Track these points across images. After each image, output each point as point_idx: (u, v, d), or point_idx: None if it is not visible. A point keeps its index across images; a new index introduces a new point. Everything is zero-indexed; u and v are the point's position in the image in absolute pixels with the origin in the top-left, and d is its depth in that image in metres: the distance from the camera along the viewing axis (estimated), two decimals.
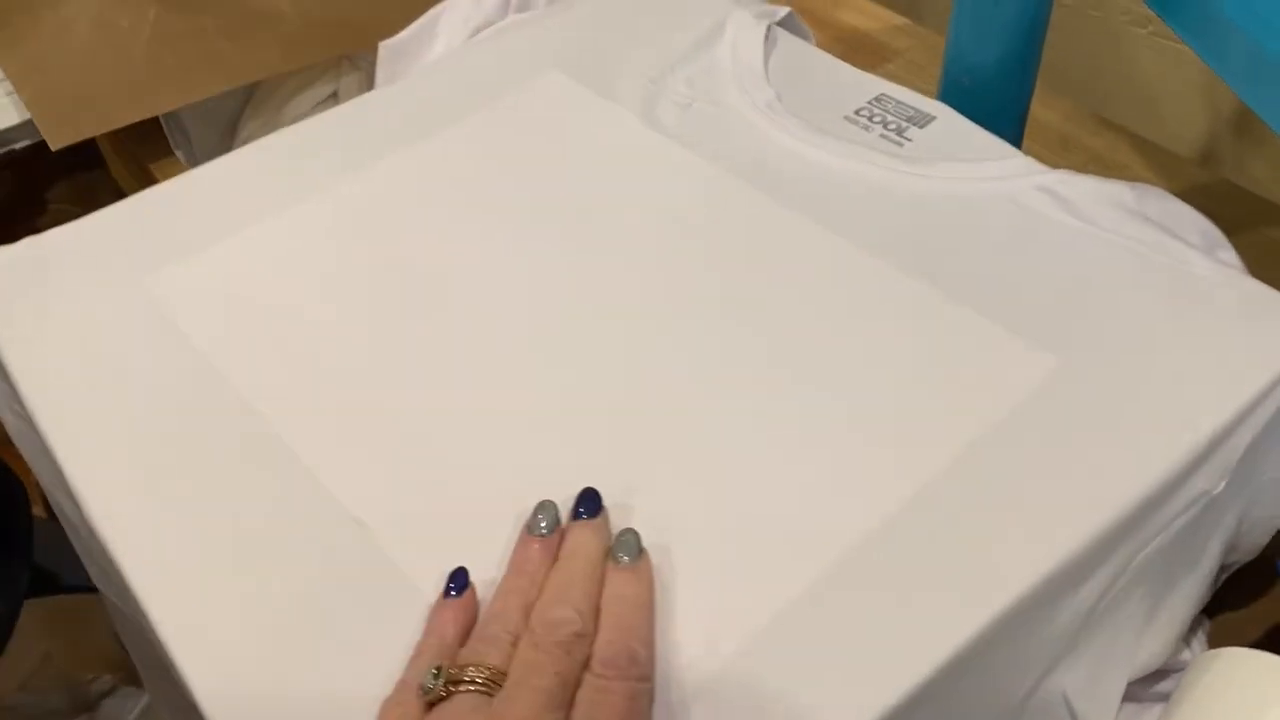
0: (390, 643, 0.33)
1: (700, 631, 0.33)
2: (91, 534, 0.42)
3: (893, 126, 0.49)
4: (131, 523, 0.38)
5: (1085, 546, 0.34)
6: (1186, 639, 0.45)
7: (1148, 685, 0.44)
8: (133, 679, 1.08)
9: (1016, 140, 0.54)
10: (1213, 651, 0.40)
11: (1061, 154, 0.70)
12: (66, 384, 0.42)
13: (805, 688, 0.32)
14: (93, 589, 0.98)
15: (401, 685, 0.31)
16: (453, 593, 0.34)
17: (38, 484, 0.49)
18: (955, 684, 0.33)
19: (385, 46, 0.59)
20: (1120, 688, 0.40)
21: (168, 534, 0.37)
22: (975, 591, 0.33)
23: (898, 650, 0.32)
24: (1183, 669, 0.41)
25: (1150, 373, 0.39)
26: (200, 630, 0.35)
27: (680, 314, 0.42)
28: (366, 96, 0.55)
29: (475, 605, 0.34)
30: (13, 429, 0.48)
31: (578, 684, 0.31)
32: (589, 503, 0.35)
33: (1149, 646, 0.42)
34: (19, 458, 0.51)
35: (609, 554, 0.34)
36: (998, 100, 0.52)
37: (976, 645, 0.33)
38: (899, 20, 0.81)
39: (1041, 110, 0.72)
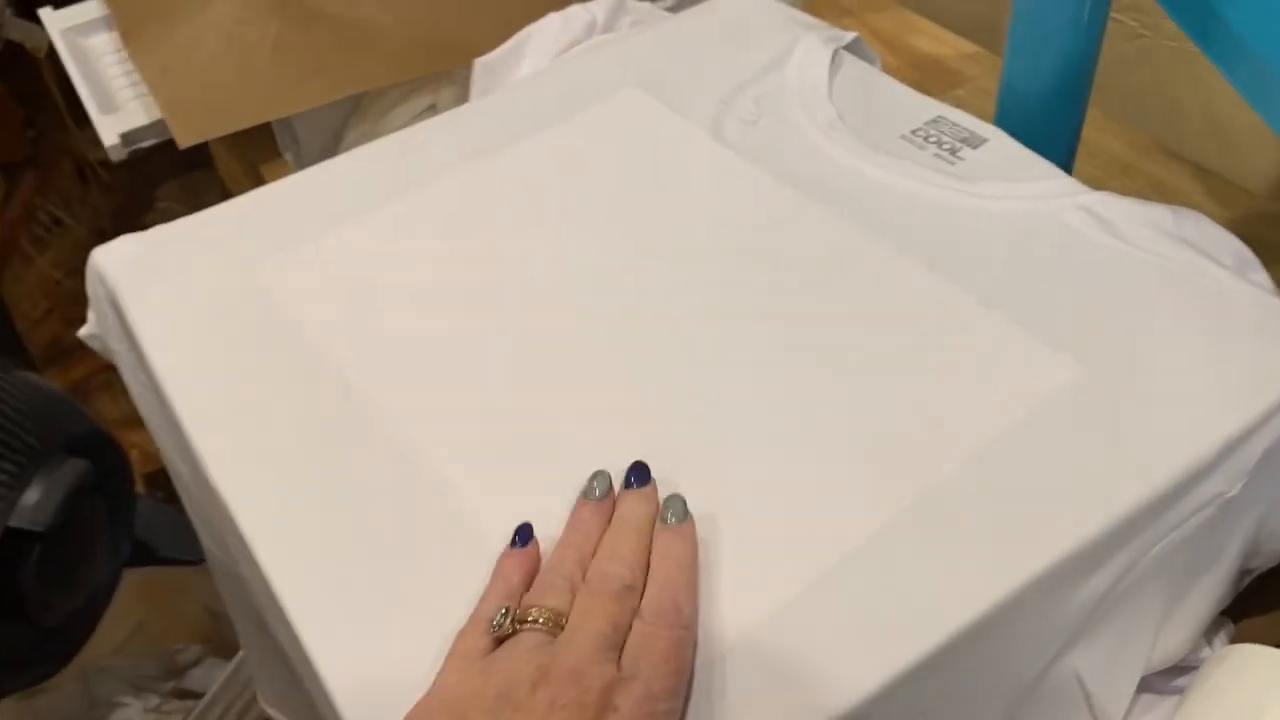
0: (463, 587, 0.37)
1: (739, 590, 0.37)
2: (205, 491, 0.47)
3: (946, 146, 0.53)
4: (243, 478, 0.43)
5: (1098, 536, 0.37)
6: (1208, 639, 0.47)
7: (1167, 679, 0.46)
8: (219, 651, 1.14)
9: (1067, 165, 0.57)
10: (1229, 647, 0.43)
11: (1122, 180, 0.72)
12: (189, 355, 0.47)
13: (830, 644, 0.35)
14: (186, 562, 1.05)
15: (472, 621, 0.36)
16: (518, 544, 0.38)
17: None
18: (971, 653, 0.36)
19: (480, 63, 0.64)
20: (1134, 676, 0.43)
21: (276, 489, 0.42)
22: (988, 571, 0.36)
23: (916, 618, 0.35)
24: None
25: (1171, 380, 0.42)
26: (302, 572, 0.39)
27: (734, 313, 0.46)
28: (461, 108, 0.60)
29: (538, 556, 0.38)
30: (137, 396, 0.53)
31: (628, 631, 0.34)
32: (639, 473, 0.39)
33: (1167, 641, 0.44)
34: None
35: (657, 518, 0.38)
36: (1049, 127, 0.55)
37: (990, 619, 0.36)
38: (971, 48, 0.83)
39: (1104, 137, 0.74)
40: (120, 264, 0.51)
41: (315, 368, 0.46)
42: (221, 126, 0.63)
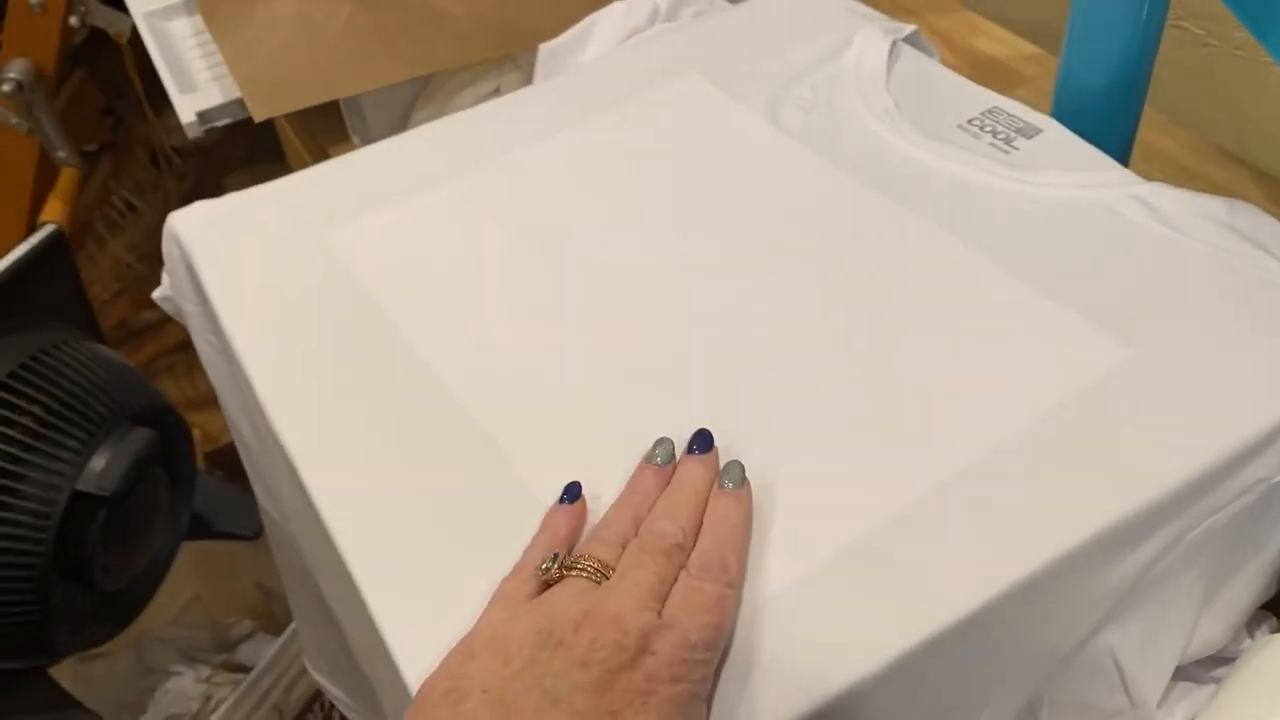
0: (517, 546, 0.38)
1: (778, 554, 0.38)
2: (267, 449, 0.48)
3: (1001, 136, 0.53)
4: (306, 433, 0.44)
5: (1136, 512, 0.38)
6: (1249, 631, 0.47)
7: (1205, 669, 0.46)
8: (270, 627, 1.17)
9: (1123, 161, 0.57)
10: (1268, 637, 0.43)
11: (1182, 183, 0.72)
12: (258, 314, 0.49)
13: (867, 606, 0.36)
14: (241, 536, 1.08)
15: (519, 567, 0.37)
16: (566, 501, 0.39)
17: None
18: (1006, 621, 0.37)
19: (545, 48, 0.66)
20: (1171, 660, 0.43)
21: (337, 444, 0.44)
22: (1025, 543, 0.37)
23: (953, 584, 0.36)
24: None
25: (1217, 366, 0.42)
26: (361, 524, 0.41)
27: (786, 292, 0.47)
28: (525, 90, 0.62)
29: (584, 513, 0.39)
30: (205, 357, 0.55)
31: (673, 585, 0.35)
32: (701, 440, 0.40)
33: (1207, 629, 0.45)
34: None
35: (715, 484, 0.39)
36: (1105, 121, 0.55)
37: (1025, 589, 0.36)
38: (1031, 49, 0.83)
39: (1165, 140, 0.74)
40: (196, 228, 0.53)
41: (379, 331, 0.48)
42: (294, 102, 0.66)
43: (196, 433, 1.28)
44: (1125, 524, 0.38)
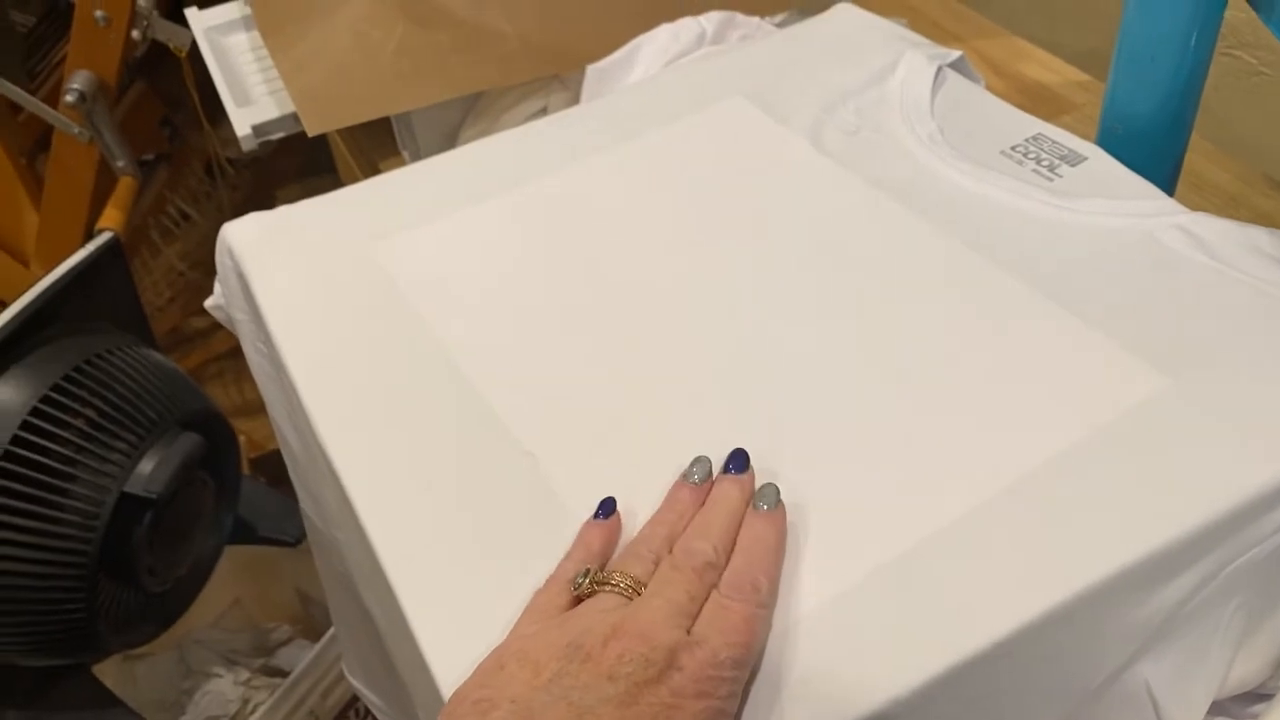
0: (548, 554, 0.39)
1: (811, 573, 0.38)
2: (311, 455, 0.50)
3: (1045, 163, 0.53)
4: (349, 440, 0.45)
5: (1172, 543, 0.37)
6: None
7: (1243, 704, 0.45)
8: (308, 633, 1.18)
9: (1169, 190, 0.56)
10: None
11: (1229, 212, 0.71)
12: (306, 323, 0.50)
13: (896, 628, 0.36)
14: (284, 542, 1.09)
15: (551, 579, 0.37)
16: (600, 516, 0.40)
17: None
18: (1038, 647, 0.36)
19: (592, 69, 0.67)
20: (1207, 695, 0.42)
21: (378, 451, 0.45)
22: (1058, 569, 0.37)
23: (984, 608, 0.36)
24: None
25: (1257, 397, 0.41)
26: (399, 531, 0.42)
27: (824, 312, 0.47)
28: (572, 109, 0.63)
29: (619, 528, 0.40)
30: (254, 364, 0.57)
31: (704, 603, 0.35)
32: (738, 460, 0.40)
33: (1246, 664, 0.44)
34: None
35: (750, 505, 0.39)
36: (1151, 149, 0.55)
37: (1058, 616, 0.36)
38: (1080, 76, 0.83)
39: (1213, 169, 0.74)
40: (248, 238, 0.54)
41: (424, 341, 0.48)
42: (347, 118, 0.67)
43: (243, 439, 1.31)
44: (1161, 555, 0.38)
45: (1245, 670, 0.44)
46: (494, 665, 0.34)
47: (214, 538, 0.98)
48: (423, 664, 0.38)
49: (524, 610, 0.37)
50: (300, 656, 1.10)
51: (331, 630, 1.03)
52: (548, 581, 0.37)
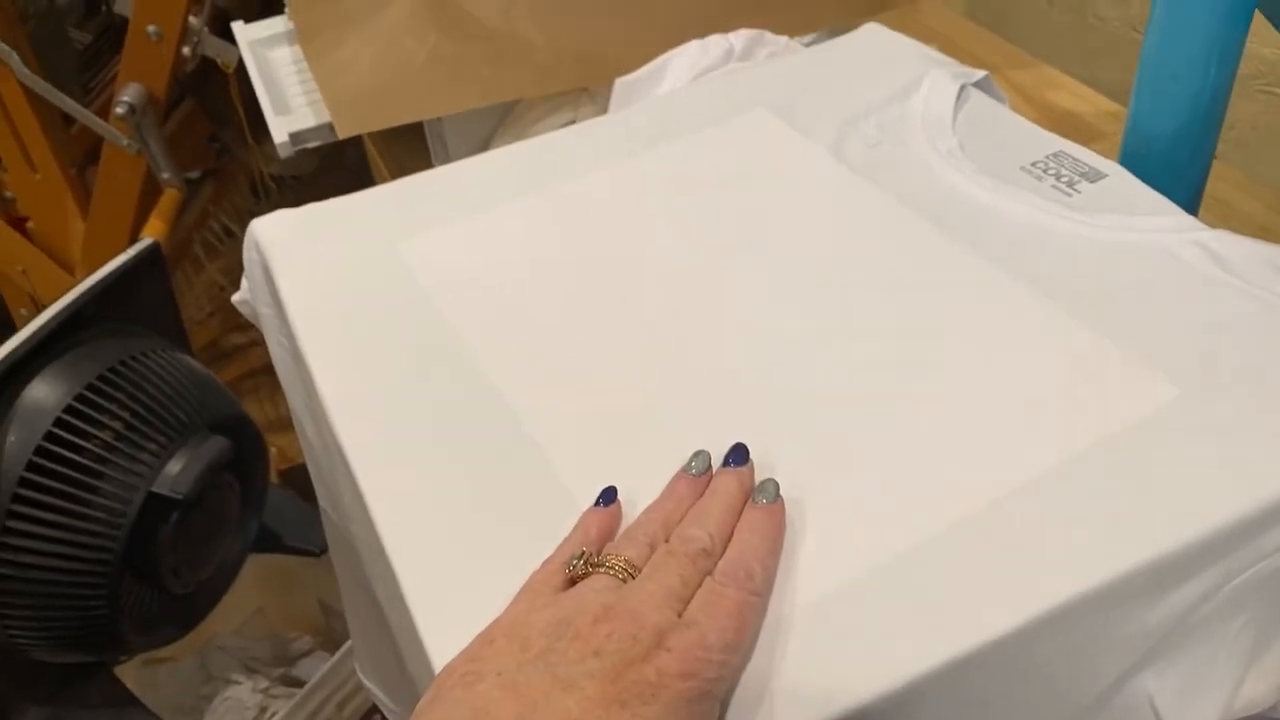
0: (552, 546, 0.39)
1: (812, 569, 0.38)
2: (328, 448, 0.50)
3: (1064, 179, 0.53)
4: (363, 432, 0.46)
5: (1171, 553, 0.37)
6: None
7: None
8: (328, 645, 1.19)
9: (1191, 210, 0.56)
10: None
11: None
12: (327, 318, 0.51)
13: (890, 625, 0.36)
14: (308, 552, 1.10)
15: (547, 562, 0.38)
16: (601, 504, 0.40)
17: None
18: (1033, 652, 0.36)
19: (620, 83, 0.68)
20: (1213, 711, 0.41)
21: (392, 443, 0.45)
22: (1056, 572, 0.36)
23: (977, 609, 0.36)
24: None
25: (1267, 412, 0.41)
26: (408, 523, 0.42)
27: (838, 318, 0.48)
28: (597, 119, 0.64)
29: (619, 516, 0.40)
30: (277, 358, 0.58)
31: (697, 589, 0.36)
32: (738, 454, 0.41)
33: (1256, 685, 0.43)
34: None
35: (749, 498, 0.39)
36: (1172, 170, 0.54)
37: (1053, 620, 0.36)
38: (1111, 105, 0.83)
39: (1244, 198, 0.73)
40: (275, 233, 0.56)
41: (441, 337, 0.49)
42: (377, 121, 0.69)
43: (274, 451, 1.32)
44: (1161, 563, 0.37)
45: (1255, 691, 0.43)
46: (484, 640, 0.34)
47: (239, 543, 0.99)
48: (421, 646, 0.38)
49: (520, 590, 0.37)
50: (319, 667, 1.10)
51: (350, 642, 1.04)
52: (544, 563, 0.38)
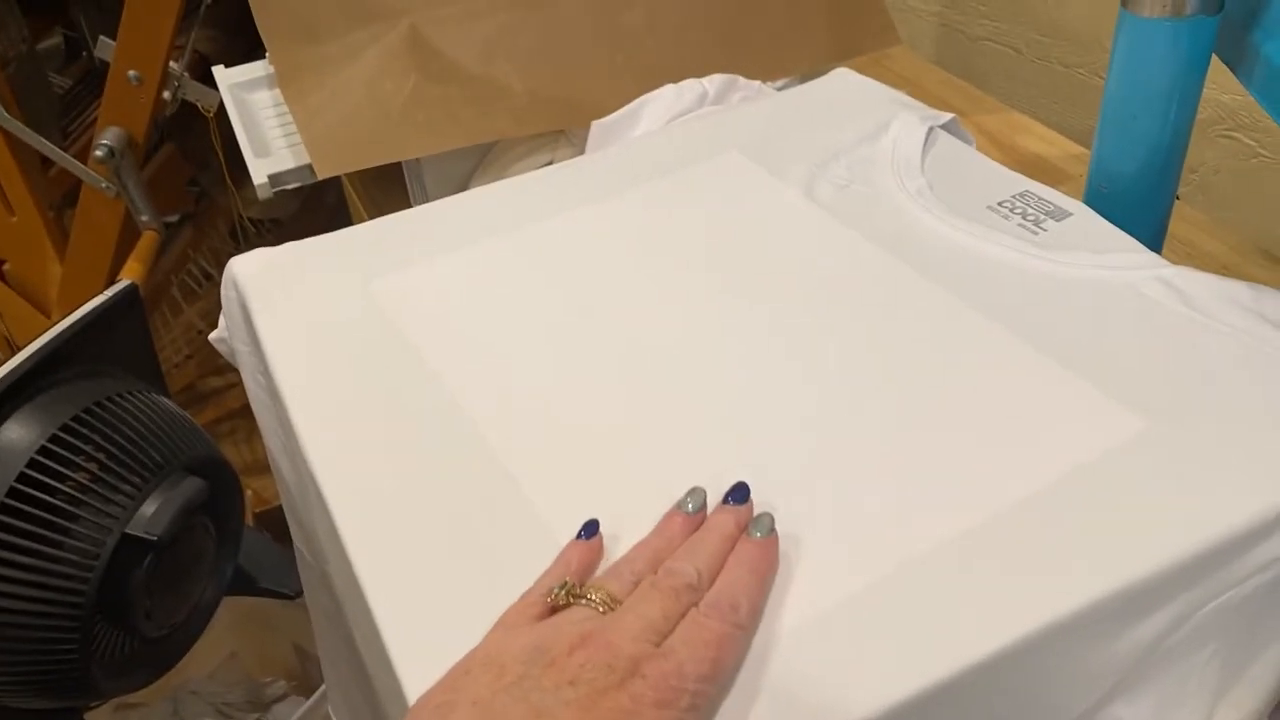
0: (528, 577, 0.39)
1: (792, 599, 0.38)
2: (303, 486, 0.50)
3: (1031, 218, 0.54)
4: (339, 469, 0.46)
5: (1140, 581, 0.38)
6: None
7: None
8: (304, 689, 1.18)
9: (1153, 247, 0.57)
10: None
11: None
12: (304, 355, 0.51)
13: (859, 657, 0.36)
14: (283, 595, 1.09)
15: (528, 593, 0.38)
16: (583, 537, 0.40)
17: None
18: (1003, 681, 0.36)
19: (597, 125, 0.69)
20: None
21: (368, 480, 0.45)
22: (1024, 602, 0.37)
23: (946, 639, 0.36)
24: None
25: (1233, 443, 0.42)
26: (381, 554, 0.42)
27: (815, 354, 0.48)
28: (573, 160, 0.65)
29: (600, 550, 0.40)
30: (253, 395, 0.58)
31: (679, 622, 0.35)
32: (738, 493, 0.40)
33: (1228, 714, 0.44)
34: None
35: (744, 536, 0.39)
36: (1135, 208, 0.56)
37: (1022, 650, 0.36)
38: (1077, 149, 0.85)
39: (1208, 239, 0.75)
40: (252, 271, 0.56)
41: (417, 376, 0.49)
42: (356, 162, 0.69)
43: (249, 494, 1.31)
44: (1130, 592, 0.38)
45: None
46: (460, 670, 0.34)
47: (213, 586, 0.98)
48: (397, 683, 0.38)
49: (497, 621, 0.37)
50: (295, 713, 1.09)
51: (324, 686, 1.02)
52: (523, 594, 0.38)
